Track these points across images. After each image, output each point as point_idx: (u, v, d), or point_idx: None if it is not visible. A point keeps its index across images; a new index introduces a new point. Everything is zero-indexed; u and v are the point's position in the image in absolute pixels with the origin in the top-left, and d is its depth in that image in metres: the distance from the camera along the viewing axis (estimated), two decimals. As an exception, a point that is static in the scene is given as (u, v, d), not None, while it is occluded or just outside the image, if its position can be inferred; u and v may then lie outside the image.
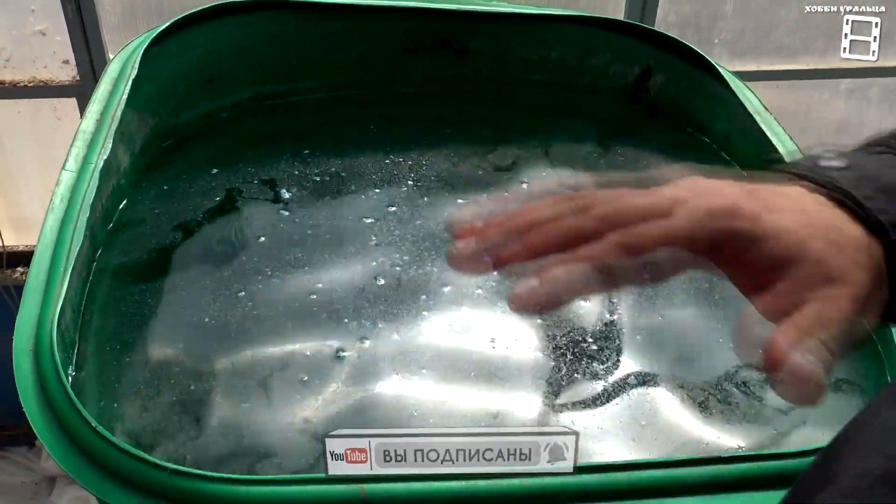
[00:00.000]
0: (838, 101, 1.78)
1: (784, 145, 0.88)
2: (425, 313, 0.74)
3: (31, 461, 2.02)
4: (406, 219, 0.85)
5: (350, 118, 1.03)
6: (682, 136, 1.03)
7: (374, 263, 0.79)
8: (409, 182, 0.91)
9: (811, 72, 1.69)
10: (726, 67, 1.00)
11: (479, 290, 0.77)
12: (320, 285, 0.77)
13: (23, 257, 1.79)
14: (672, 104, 1.05)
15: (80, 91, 1.54)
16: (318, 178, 0.91)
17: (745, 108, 0.92)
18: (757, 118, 0.90)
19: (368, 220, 0.85)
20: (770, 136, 0.88)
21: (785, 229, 0.35)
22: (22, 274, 1.77)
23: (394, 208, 0.87)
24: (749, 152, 0.94)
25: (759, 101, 0.95)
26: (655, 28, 1.10)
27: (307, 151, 0.94)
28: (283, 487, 0.53)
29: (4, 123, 1.63)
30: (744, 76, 1.02)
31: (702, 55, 1.00)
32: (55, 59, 1.54)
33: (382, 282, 0.77)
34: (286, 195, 0.88)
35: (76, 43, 1.48)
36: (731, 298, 0.79)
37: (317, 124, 1.02)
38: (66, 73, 1.55)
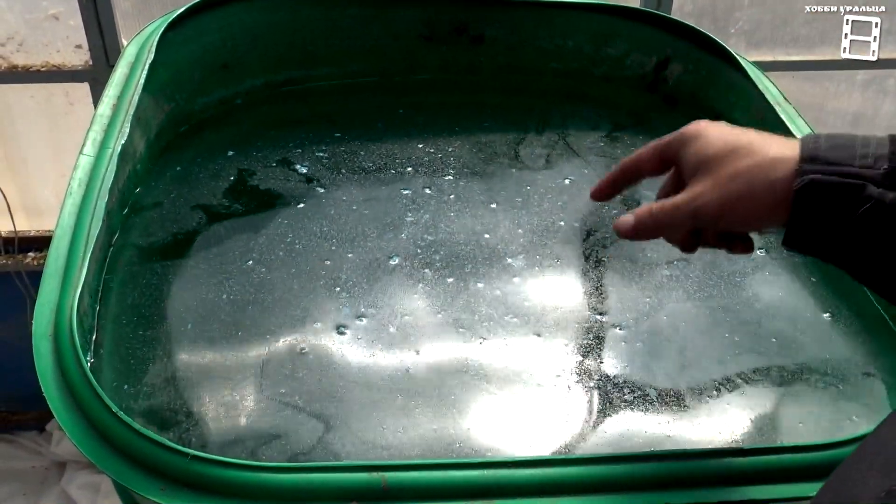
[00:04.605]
0: (854, 92, 1.76)
1: (804, 136, 0.87)
2: (428, 297, 0.74)
3: (41, 446, 2.03)
4: (433, 207, 0.85)
5: (365, 106, 1.03)
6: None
7: (397, 239, 0.79)
8: (432, 172, 0.91)
9: (827, 62, 1.67)
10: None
11: (480, 284, 0.76)
12: (346, 261, 0.76)
13: (35, 242, 1.79)
14: (690, 94, 1.04)
15: (93, 76, 1.54)
16: (330, 162, 0.90)
17: (764, 98, 0.91)
18: (777, 109, 0.89)
19: (393, 201, 0.84)
20: (790, 127, 0.87)
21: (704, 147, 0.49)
22: (34, 259, 1.77)
23: (428, 190, 0.86)
24: (768, 143, 0.93)
25: (779, 91, 0.94)
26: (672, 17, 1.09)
27: (321, 136, 0.94)
28: (304, 475, 0.53)
29: (17, 108, 1.63)
30: (759, 66, 1.01)
31: (720, 44, 0.99)
32: (68, 43, 1.53)
33: (395, 262, 0.77)
34: (303, 171, 0.88)
35: (89, 27, 1.48)
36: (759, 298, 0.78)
37: (328, 112, 1.01)
38: (79, 57, 1.55)
